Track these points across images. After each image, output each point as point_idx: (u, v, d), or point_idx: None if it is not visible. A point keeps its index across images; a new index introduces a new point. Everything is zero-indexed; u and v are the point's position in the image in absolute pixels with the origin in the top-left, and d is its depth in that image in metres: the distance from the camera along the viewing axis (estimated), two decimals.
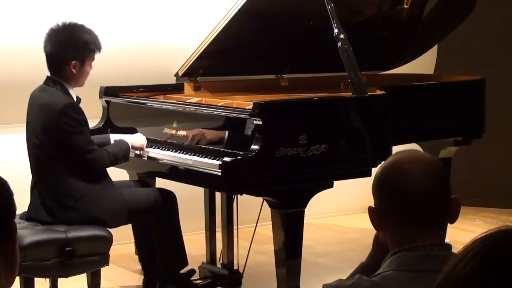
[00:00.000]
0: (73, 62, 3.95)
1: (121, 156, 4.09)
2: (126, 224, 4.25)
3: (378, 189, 1.82)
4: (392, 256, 1.76)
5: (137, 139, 4.26)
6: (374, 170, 4.18)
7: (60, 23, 4.02)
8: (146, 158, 4.27)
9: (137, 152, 4.26)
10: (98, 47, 4.04)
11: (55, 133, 3.86)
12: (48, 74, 4.03)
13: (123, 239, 4.90)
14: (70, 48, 3.95)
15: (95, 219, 3.93)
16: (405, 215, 1.76)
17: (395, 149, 4.26)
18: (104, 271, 4.01)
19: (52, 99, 3.91)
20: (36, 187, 3.98)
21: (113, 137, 4.27)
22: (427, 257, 1.71)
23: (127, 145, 4.16)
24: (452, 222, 1.79)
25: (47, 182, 3.93)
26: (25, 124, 4.18)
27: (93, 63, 4.08)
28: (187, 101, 4.47)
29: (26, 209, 4.06)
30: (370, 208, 1.83)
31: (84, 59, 3.98)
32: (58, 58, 3.96)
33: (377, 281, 1.71)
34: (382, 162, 1.88)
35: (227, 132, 4.07)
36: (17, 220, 3.93)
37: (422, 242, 1.73)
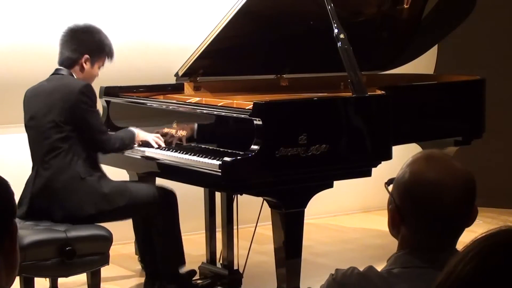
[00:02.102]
0: (86, 56, 4.07)
1: (127, 142, 4.18)
2: (125, 218, 4.25)
3: (404, 193, 1.74)
4: (397, 254, 1.75)
5: (143, 132, 4.29)
6: (374, 170, 4.21)
7: (81, 22, 4.16)
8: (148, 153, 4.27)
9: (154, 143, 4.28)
10: (110, 53, 4.19)
11: (74, 112, 3.95)
12: (58, 67, 4.11)
13: (123, 239, 4.91)
14: (86, 42, 4.09)
15: (98, 200, 3.96)
16: (428, 226, 1.73)
17: (395, 149, 4.27)
18: (104, 271, 4.01)
19: (67, 82, 4.02)
20: (39, 174, 3.99)
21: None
22: (432, 259, 1.70)
23: (133, 132, 4.23)
24: (468, 226, 1.76)
25: (52, 166, 3.95)
26: (23, 124, 4.18)
27: None
28: (187, 101, 4.47)
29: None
30: (391, 207, 1.76)
31: (96, 58, 4.12)
32: (73, 50, 4.07)
33: (385, 275, 1.70)
34: (412, 159, 1.77)
35: (227, 132, 4.07)
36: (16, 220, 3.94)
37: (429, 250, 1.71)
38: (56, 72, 4.10)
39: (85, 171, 3.97)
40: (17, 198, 1.46)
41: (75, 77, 4.08)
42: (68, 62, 4.08)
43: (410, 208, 1.74)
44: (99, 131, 4.03)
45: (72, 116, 3.95)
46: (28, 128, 4.11)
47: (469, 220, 1.75)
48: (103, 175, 4.08)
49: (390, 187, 1.79)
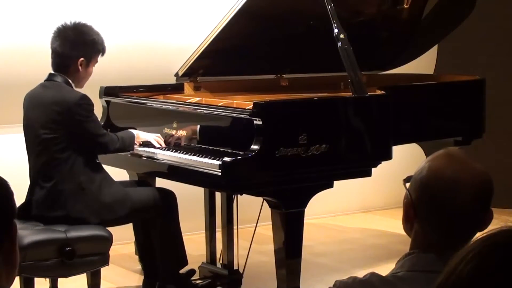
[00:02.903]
0: (81, 59, 4.03)
1: (127, 142, 4.17)
2: (127, 222, 4.26)
3: (420, 188, 1.72)
4: (406, 257, 1.74)
5: (142, 133, 4.30)
6: (374, 170, 4.20)
7: (69, 22, 4.09)
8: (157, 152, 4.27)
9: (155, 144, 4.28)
10: (103, 50, 4.13)
11: (71, 126, 3.93)
12: (51, 71, 4.07)
13: (123, 239, 4.90)
14: (79, 45, 4.03)
15: (100, 209, 3.96)
16: (441, 223, 1.71)
17: (395, 149, 4.27)
18: (104, 271, 4.01)
19: (63, 94, 3.97)
20: (37, 184, 3.99)
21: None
22: (441, 258, 1.69)
23: (133, 134, 4.22)
24: (481, 230, 1.74)
25: (53, 177, 3.94)
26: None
27: None
28: (187, 101, 4.47)
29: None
30: (406, 201, 1.75)
31: (91, 59, 4.07)
32: (66, 55, 4.02)
33: (389, 279, 1.69)
34: (432, 156, 1.75)
35: (227, 132, 4.07)
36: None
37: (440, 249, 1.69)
38: (51, 78, 4.04)
39: (86, 180, 3.96)
40: (17, 198, 1.45)
41: (71, 82, 4.03)
42: (62, 67, 4.03)
43: (424, 203, 1.72)
44: (99, 135, 4.01)
45: (70, 129, 3.93)
46: (25, 133, 4.10)
47: (483, 223, 1.73)
48: (104, 179, 4.06)
49: (408, 185, 1.77)
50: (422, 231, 1.74)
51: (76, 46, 4.02)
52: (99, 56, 4.12)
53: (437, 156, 1.75)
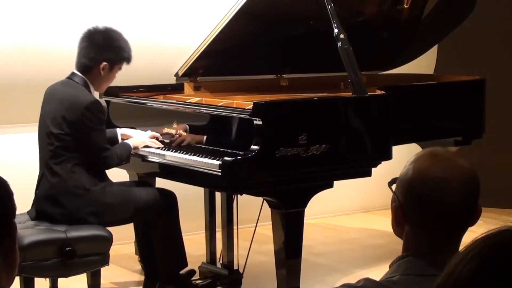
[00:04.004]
0: (104, 63, 4.05)
1: (125, 157, 4.16)
2: (127, 223, 4.26)
3: (407, 191, 1.71)
4: (399, 261, 1.73)
5: (138, 140, 4.28)
6: (374, 170, 4.20)
7: (100, 26, 4.12)
8: (153, 155, 4.27)
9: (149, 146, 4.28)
10: (128, 58, 4.16)
11: (77, 127, 3.94)
12: (74, 70, 4.09)
13: (123, 239, 4.91)
14: (104, 50, 4.06)
15: (101, 210, 3.97)
16: (431, 224, 1.70)
17: (395, 149, 4.27)
18: (104, 271, 4.01)
19: (77, 93, 4.00)
20: (45, 177, 4.00)
21: (120, 131, 4.35)
22: (434, 262, 1.68)
23: (130, 148, 4.20)
24: (471, 225, 1.73)
25: (57, 173, 3.95)
26: (25, 125, 4.16)
27: None
28: (187, 101, 4.47)
29: (27, 208, 4.06)
30: (394, 205, 1.74)
31: (114, 64, 4.10)
32: (90, 57, 4.05)
33: (384, 284, 1.68)
34: (415, 157, 1.74)
35: (227, 132, 4.07)
36: (24, 218, 3.95)
37: (433, 251, 1.68)
38: (71, 77, 4.09)
39: (89, 182, 3.97)
40: (19, 198, 1.46)
41: (90, 84, 4.07)
42: (84, 68, 4.07)
43: (413, 205, 1.71)
44: (100, 148, 4.00)
45: (74, 130, 3.95)
46: (39, 125, 4.13)
47: (472, 219, 1.73)
48: (108, 184, 4.08)
49: (394, 187, 1.76)
50: (412, 232, 1.73)
51: (101, 50, 4.05)
52: (124, 64, 4.14)
53: (421, 156, 1.74)
